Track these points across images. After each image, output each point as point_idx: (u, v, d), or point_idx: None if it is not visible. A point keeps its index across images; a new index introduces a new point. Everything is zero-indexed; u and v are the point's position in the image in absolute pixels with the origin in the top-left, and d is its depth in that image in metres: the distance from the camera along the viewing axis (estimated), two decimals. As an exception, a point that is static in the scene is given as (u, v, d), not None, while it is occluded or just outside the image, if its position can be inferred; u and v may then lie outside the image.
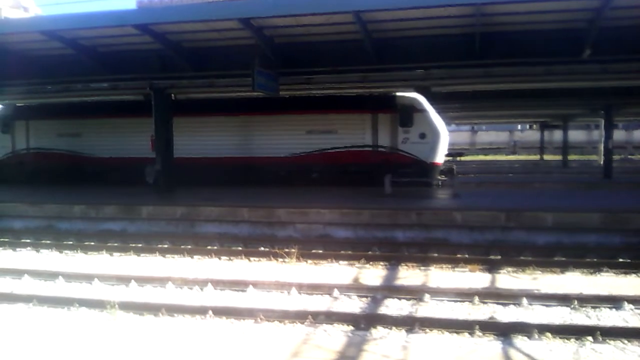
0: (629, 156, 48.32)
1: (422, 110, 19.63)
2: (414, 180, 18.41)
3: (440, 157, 19.65)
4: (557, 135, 46.36)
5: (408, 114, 19.62)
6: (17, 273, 10.66)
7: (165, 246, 13.26)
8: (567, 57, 14.74)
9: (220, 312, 8.11)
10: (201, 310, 8.16)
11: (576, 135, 49.42)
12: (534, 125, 54.69)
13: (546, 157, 45.40)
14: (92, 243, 13.72)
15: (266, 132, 21.18)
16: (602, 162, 30.68)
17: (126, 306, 8.41)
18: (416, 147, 19.54)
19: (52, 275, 10.49)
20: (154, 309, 8.31)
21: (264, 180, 20.72)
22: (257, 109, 21.02)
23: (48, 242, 13.89)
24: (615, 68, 16.27)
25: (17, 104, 24.36)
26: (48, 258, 12.64)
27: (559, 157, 40.59)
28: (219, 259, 12.24)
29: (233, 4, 14.23)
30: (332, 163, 20.33)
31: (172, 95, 19.61)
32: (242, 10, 14.40)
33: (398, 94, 19.87)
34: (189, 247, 13.02)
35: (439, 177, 19.63)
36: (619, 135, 39.51)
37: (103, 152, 22.72)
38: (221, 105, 21.38)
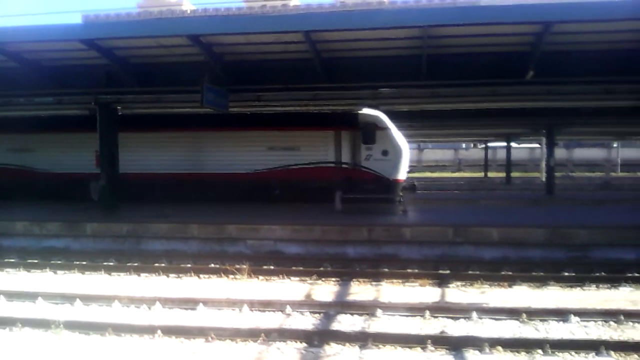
0: (570, 173, 49.90)
1: (385, 128, 19.76)
2: (375, 196, 18.47)
3: (402, 174, 19.81)
4: (501, 153, 47.55)
5: (370, 132, 19.67)
6: (-45, 293, 10.17)
7: (111, 264, 12.92)
8: (511, 78, 15.11)
9: (169, 331, 7.93)
10: (149, 330, 7.94)
11: (519, 153, 50.75)
12: (478, 144, 56.02)
13: (490, 174, 46.46)
14: (36, 260, 13.27)
15: (227, 149, 20.94)
16: (544, 179, 31.60)
17: (72, 325, 8.13)
18: (379, 164, 19.60)
19: (-8, 295, 10.06)
20: (100, 328, 8.05)
21: (225, 197, 20.46)
22: (218, 125, 20.77)
23: (-12, 260, 13.35)
24: (557, 90, 16.83)
25: None
26: (-13, 277, 12.14)
27: (502, 174, 41.58)
28: (167, 276, 11.98)
29: (182, 21, 14.17)
30: (294, 179, 20.22)
31: (119, 110, 19.22)
32: (191, 26, 14.29)
33: (360, 111, 20.00)
34: (136, 264, 12.70)
35: (400, 194, 19.77)
36: (559, 153, 40.74)
37: (57, 167, 21.97)
38: (181, 121, 21.06)
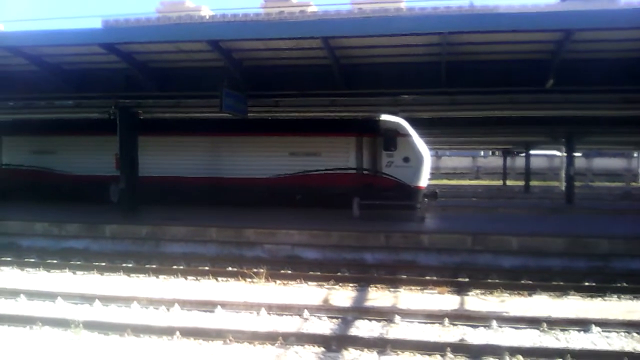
0: (589, 183, 49.45)
1: (406, 135, 19.69)
2: (394, 203, 18.40)
3: (423, 181, 19.72)
4: (519, 161, 47.26)
5: (392, 138, 19.63)
6: (-24, 292, 10.27)
7: (130, 265, 13.00)
8: (530, 86, 15.00)
9: (188, 332, 7.95)
10: (168, 331, 7.97)
11: (538, 161, 50.41)
12: (496, 152, 55.71)
13: (509, 182, 46.15)
14: (55, 261, 13.39)
15: (248, 153, 21.01)
16: (563, 188, 31.33)
17: (91, 325, 8.18)
18: (400, 171, 19.55)
19: (13, 293, 10.17)
20: (119, 328, 8.10)
21: (245, 201, 20.52)
22: (239, 130, 20.91)
23: (9, 259, 13.47)
24: (577, 98, 16.72)
25: None
26: (9, 275, 12.27)
27: (521, 183, 41.31)
28: (186, 279, 12.02)
29: (202, 26, 14.24)
30: (315, 185, 20.23)
31: (139, 114, 19.41)
32: (211, 32, 14.36)
33: (382, 118, 19.98)
34: (155, 266, 12.78)
35: (422, 201, 19.70)
36: (579, 162, 40.38)
37: (78, 169, 22.21)
38: (202, 126, 21.28)
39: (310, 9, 44.83)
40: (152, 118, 21.34)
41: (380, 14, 36.33)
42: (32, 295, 10.11)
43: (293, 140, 20.61)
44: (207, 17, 47.37)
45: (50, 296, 9.99)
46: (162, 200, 20.72)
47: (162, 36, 14.46)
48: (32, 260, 13.50)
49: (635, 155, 53.66)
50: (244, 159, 21.02)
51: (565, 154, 29.66)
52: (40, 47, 15.23)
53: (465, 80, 15.12)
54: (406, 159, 19.51)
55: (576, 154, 30.47)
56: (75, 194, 21.86)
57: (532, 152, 39.02)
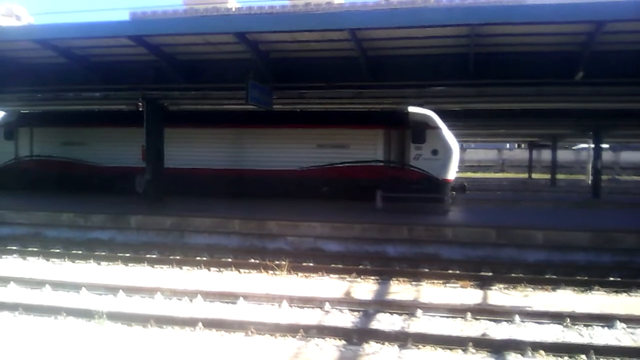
0: (616, 177, 48.67)
1: (435, 127, 19.64)
2: (425, 196, 18.32)
3: (452, 174, 19.63)
4: (545, 154, 46.69)
5: (421, 131, 19.60)
6: (3, 281, 10.49)
7: (154, 256, 13.14)
8: (559, 78, 14.81)
9: (210, 324, 8.02)
10: (191, 322, 8.06)
11: (564, 155, 49.75)
12: (522, 144, 55.08)
13: (534, 175, 45.63)
14: (80, 252, 13.58)
15: (275, 146, 21.12)
16: (590, 182, 30.90)
17: (114, 316, 8.29)
18: (428, 164, 19.51)
19: (38, 284, 10.35)
20: (142, 319, 8.20)
21: (271, 194, 20.64)
22: (267, 122, 21.02)
23: (35, 249, 13.71)
24: (605, 91, 16.39)
25: (22, 111, 24.23)
26: (34, 266, 12.47)
27: (546, 176, 40.81)
28: (209, 270, 12.12)
29: (229, 18, 14.28)
30: (342, 178, 20.26)
31: (166, 106, 19.58)
32: (238, 24, 14.41)
33: (410, 110, 19.87)
34: (178, 257, 12.90)
35: (450, 194, 19.61)
36: (606, 156, 39.74)
37: (108, 160, 22.58)
38: (229, 118, 21.41)
39: (336, 1, 44.76)
40: (180, 110, 21.52)
41: (407, 5, 36.14)
42: (57, 285, 10.28)
43: (321, 133, 20.64)
44: (233, 9, 47.65)
45: (75, 287, 10.14)
46: (189, 192, 20.91)
47: (189, 28, 14.56)
48: (58, 250, 13.69)
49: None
50: (271, 151, 21.12)
51: (592, 147, 29.20)
52: (70, 40, 15.45)
53: (493, 72, 14.98)
54: (435, 152, 19.41)
55: (604, 147, 30.03)
56: (103, 185, 22.18)
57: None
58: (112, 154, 22.43)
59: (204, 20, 14.89)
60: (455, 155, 19.63)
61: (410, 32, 13.62)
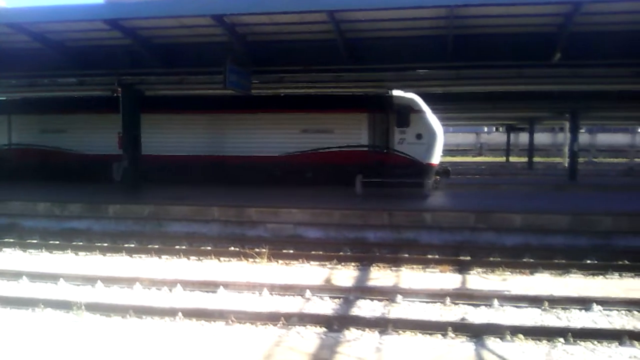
0: (593, 159, 49.25)
1: (419, 111, 19.56)
2: (404, 181, 18.31)
3: (436, 158, 19.65)
4: (523, 137, 47.04)
5: (405, 115, 19.48)
6: (-22, 273, 10.30)
7: (132, 246, 13.00)
8: (537, 60, 14.86)
9: (190, 313, 7.97)
10: (170, 312, 8.00)
11: (541, 137, 50.18)
12: (500, 128, 55.43)
13: (512, 159, 46.02)
14: (57, 242, 13.37)
15: (259, 131, 20.87)
16: (567, 165, 31.21)
17: (93, 307, 8.20)
18: (412, 148, 19.44)
19: (15, 275, 10.19)
20: (121, 310, 8.13)
21: (255, 180, 20.47)
22: (249, 107, 20.78)
23: (11, 240, 13.49)
24: (584, 72, 16.54)
25: None
26: (11, 257, 12.30)
27: (524, 159, 41.14)
28: (188, 259, 12.05)
29: (206, 1, 13.98)
30: (327, 163, 20.11)
31: (143, 91, 19.34)
32: (214, 7, 14.18)
33: (395, 93, 19.80)
34: (157, 246, 12.78)
35: (434, 178, 19.67)
36: (583, 138, 40.19)
37: (89, 148, 22.13)
38: (209, 103, 21.13)
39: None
40: (159, 95, 21.23)
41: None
42: (34, 277, 10.14)
43: (304, 117, 20.47)
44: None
45: (53, 278, 10.01)
46: (169, 180, 20.72)
47: (165, 11, 14.28)
48: (35, 241, 13.49)
49: (639, 130, 53.30)
50: (254, 136, 20.90)
51: (569, 130, 29.50)
52: (43, 24, 15.10)
53: (471, 54, 14.98)
54: (419, 136, 19.38)
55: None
56: (85, 173, 21.81)
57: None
58: (93, 142, 22.01)
59: (180, 3, 14.54)
60: (440, 140, 19.65)
61: (389, 14, 13.52)
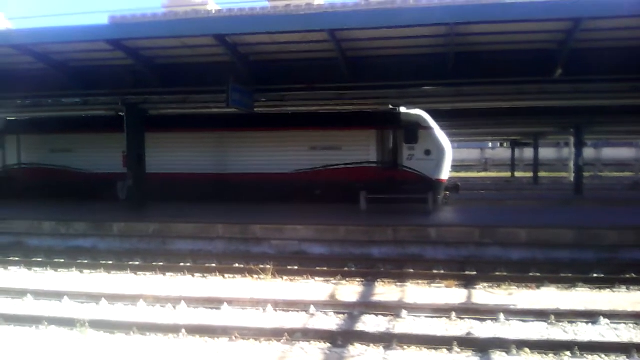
0: (598, 173, 49.12)
1: (427, 127, 19.60)
2: (409, 197, 18.26)
3: (445, 174, 19.65)
4: (528, 152, 47.01)
5: (413, 131, 19.53)
6: (-17, 291, 10.30)
7: (137, 263, 13.00)
8: (538, 76, 14.89)
9: (193, 330, 7.94)
10: (174, 329, 7.97)
11: (546, 152, 50.13)
12: (505, 143, 55.42)
13: (517, 174, 45.93)
14: (62, 260, 13.41)
15: (268, 148, 20.87)
16: (572, 179, 31.16)
17: (97, 324, 8.19)
18: (421, 164, 19.46)
19: (20, 293, 10.19)
20: (125, 327, 8.11)
21: (265, 197, 20.38)
22: (260, 125, 20.82)
23: (17, 258, 13.53)
24: (585, 88, 16.54)
25: (8, 118, 23.84)
26: (16, 275, 12.30)
27: (529, 174, 41.09)
28: (193, 276, 12.03)
29: (208, 20, 14.15)
30: (336, 180, 20.06)
31: (146, 110, 19.44)
32: (217, 26, 14.31)
33: (403, 110, 19.86)
34: (162, 264, 12.79)
35: (444, 194, 19.64)
36: (588, 153, 40.18)
37: (97, 167, 22.15)
38: (224, 120, 21.02)
39: (316, 2, 44.71)
40: (166, 114, 21.32)
41: (386, 6, 36.16)
42: (38, 294, 10.14)
43: (313, 135, 20.48)
44: (214, 12, 47.39)
45: (57, 295, 10.01)
46: (179, 198, 20.73)
47: (168, 31, 14.45)
48: (40, 259, 13.51)
49: (645, 144, 53.25)
50: (263, 154, 20.90)
51: (573, 145, 29.46)
52: (47, 45, 15.26)
53: (472, 71, 15.02)
54: (427, 152, 19.40)
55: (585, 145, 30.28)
56: (93, 192, 21.81)
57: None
58: (98, 161, 22.10)
59: (182, 23, 14.73)
60: (449, 155, 19.68)
61: (389, 33, 13.61)
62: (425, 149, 19.42)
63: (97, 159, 22.11)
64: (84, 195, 21.82)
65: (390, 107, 19.47)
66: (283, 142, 20.75)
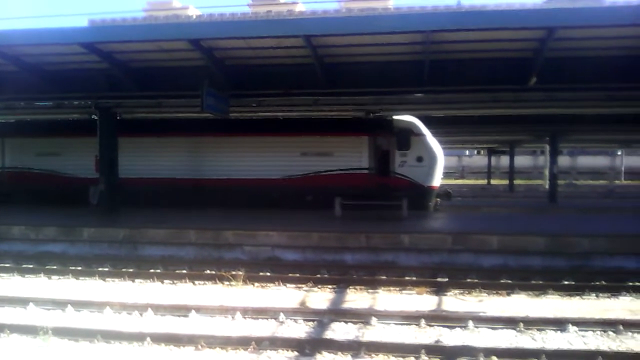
0: (573, 181, 49.67)
1: (420, 134, 19.70)
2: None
3: (436, 181, 19.75)
4: (504, 160, 47.40)
5: (405, 138, 19.59)
6: (-55, 298, 10.05)
7: (106, 269, 12.79)
8: (513, 84, 15.01)
9: (159, 338, 7.81)
10: (139, 337, 7.83)
11: (522, 160, 50.60)
12: (482, 151, 55.85)
13: (493, 181, 46.24)
14: (30, 266, 13.16)
15: (259, 154, 20.70)
16: (547, 187, 31.43)
17: (61, 332, 8.02)
18: (413, 171, 19.52)
19: (-17, 300, 9.96)
20: (89, 335, 7.95)
21: (254, 204, 20.13)
22: (251, 130, 20.73)
23: (-18, 265, 13.23)
24: (560, 96, 16.71)
25: None
26: (-19, 281, 12.03)
27: (505, 182, 41.41)
28: (162, 282, 11.87)
29: (183, 25, 14.08)
30: (327, 186, 19.91)
31: (120, 114, 19.25)
32: (192, 31, 14.24)
33: (395, 117, 19.83)
34: (131, 270, 12.58)
35: (435, 200, 19.68)
36: (563, 161, 40.64)
37: (82, 172, 21.72)
38: (213, 125, 20.77)
39: (297, 8, 44.70)
40: (151, 119, 21.10)
41: (368, 13, 36.30)
42: (2, 301, 9.92)
43: (304, 140, 20.40)
44: (194, 17, 47.18)
45: (22, 302, 9.79)
46: (162, 204, 20.48)
47: (142, 35, 14.29)
48: (7, 265, 13.21)
49: (619, 153, 53.93)
50: (253, 159, 20.73)
51: (548, 152, 29.72)
52: (18, 47, 15.01)
53: (447, 79, 15.12)
54: (419, 159, 19.50)
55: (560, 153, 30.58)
56: (76, 197, 21.44)
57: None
58: (72, 165, 21.78)
59: (157, 27, 14.61)
60: (440, 162, 19.77)
61: (365, 39, 13.64)
62: (418, 155, 19.55)
63: (71, 163, 21.78)
64: (64, 200, 21.44)
65: (380, 113, 19.54)
66: (274, 148, 20.62)
